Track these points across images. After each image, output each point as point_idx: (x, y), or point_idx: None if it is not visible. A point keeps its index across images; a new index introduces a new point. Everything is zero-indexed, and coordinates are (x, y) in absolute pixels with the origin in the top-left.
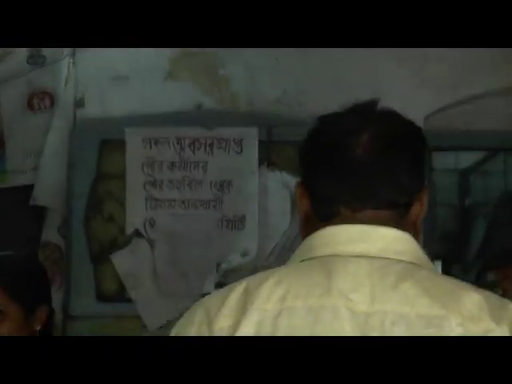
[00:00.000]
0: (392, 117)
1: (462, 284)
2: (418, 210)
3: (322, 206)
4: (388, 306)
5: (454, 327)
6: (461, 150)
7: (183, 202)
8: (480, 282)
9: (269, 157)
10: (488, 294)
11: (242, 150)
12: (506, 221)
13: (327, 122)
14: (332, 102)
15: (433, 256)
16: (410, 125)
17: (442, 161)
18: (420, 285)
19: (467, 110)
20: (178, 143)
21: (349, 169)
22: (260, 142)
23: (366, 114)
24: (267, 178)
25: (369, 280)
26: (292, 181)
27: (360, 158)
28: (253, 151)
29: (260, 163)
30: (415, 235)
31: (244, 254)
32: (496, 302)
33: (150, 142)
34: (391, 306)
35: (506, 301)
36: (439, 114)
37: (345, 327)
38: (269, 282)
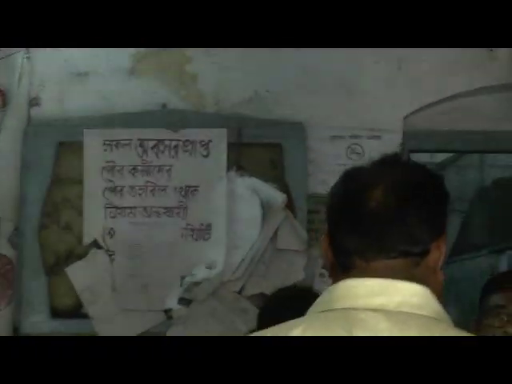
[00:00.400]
0: (410, 169)
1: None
2: (437, 256)
3: (341, 258)
4: None
5: None
6: (440, 152)
7: (145, 209)
8: (483, 306)
9: (238, 160)
10: None
11: (209, 153)
12: (480, 217)
13: (349, 176)
14: (306, 103)
15: None
16: (428, 175)
17: (418, 155)
18: None
19: (447, 109)
20: (140, 146)
21: (363, 222)
22: (229, 145)
23: (384, 167)
24: (236, 183)
25: (388, 335)
26: (262, 186)
27: (373, 210)
28: (221, 154)
29: (228, 167)
30: (435, 281)
31: (210, 267)
32: None
33: (111, 145)
34: None
35: None
36: (419, 113)
37: None
38: (293, 333)
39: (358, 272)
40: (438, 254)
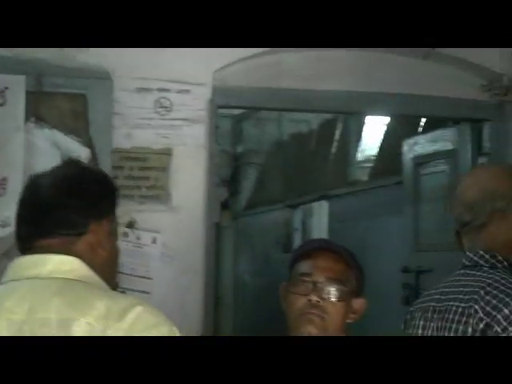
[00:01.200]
0: (78, 168)
1: (104, 293)
2: (99, 235)
3: (18, 243)
4: (40, 315)
5: (83, 326)
6: (248, 109)
7: None
8: (291, 274)
9: (37, 110)
10: (120, 300)
11: (5, 102)
12: (277, 171)
13: (32, 177)
14: (112, 51)
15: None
16: (91, 173)
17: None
18: (68, 297)
19: (257, 66)
20: None
21: (31, 211)
22: (27, 93)
23: (58, 168)
24: (34, 135)
25: (30, 296)
26: (64, 139)
27: (40, 202)
28: (18, 103)
29: (27, 117)
30: (98, 255)
31: (3, 225)
32: (124, 306)
33: None
34: (43, 315)
35: (134, 304)
36: (228, 68)
37: (2, 333)
38: None
39: (25, 251)
40: (100, 233)
